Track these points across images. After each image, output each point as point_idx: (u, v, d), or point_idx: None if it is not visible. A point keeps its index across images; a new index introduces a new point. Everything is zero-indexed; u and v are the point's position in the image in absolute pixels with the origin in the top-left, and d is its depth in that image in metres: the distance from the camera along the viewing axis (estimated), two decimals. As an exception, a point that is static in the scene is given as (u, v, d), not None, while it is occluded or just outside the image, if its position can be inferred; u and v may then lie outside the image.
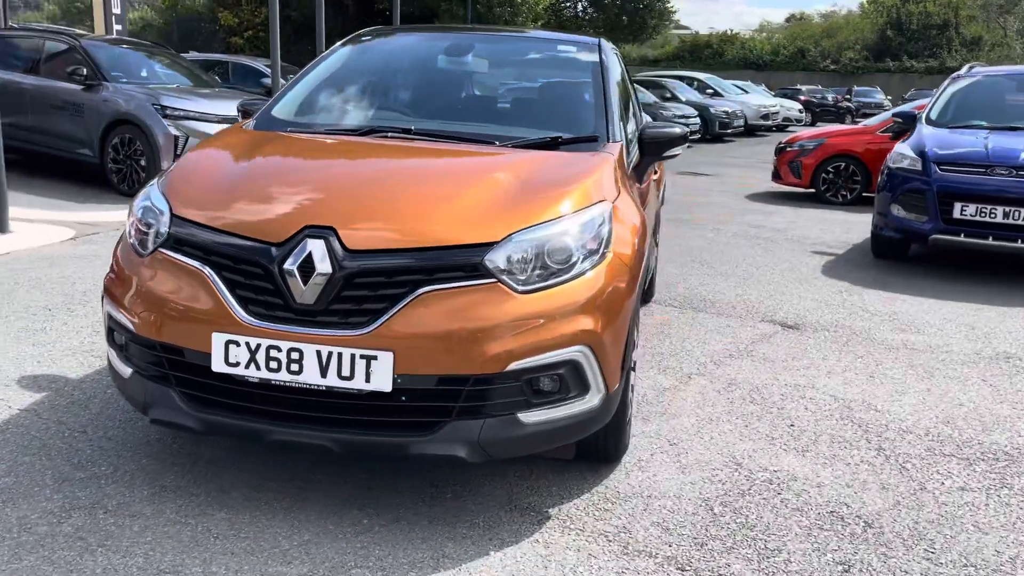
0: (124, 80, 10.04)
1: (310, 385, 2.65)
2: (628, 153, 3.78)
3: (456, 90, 4.08)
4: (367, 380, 2.62)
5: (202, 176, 3.13)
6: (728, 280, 6.86)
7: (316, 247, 2.67)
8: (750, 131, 24.27)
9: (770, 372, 4.63)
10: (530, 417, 2.73)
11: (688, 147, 18.81)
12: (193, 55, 16.74)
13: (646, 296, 5.85)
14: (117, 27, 15.31)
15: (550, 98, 4.04)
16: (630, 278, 3.02)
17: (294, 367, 2.64)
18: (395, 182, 3.10)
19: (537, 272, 2.75)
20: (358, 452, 2.79)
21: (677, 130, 3.91)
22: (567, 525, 2.91)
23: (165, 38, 26.84)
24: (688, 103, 21.63)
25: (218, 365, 2.69)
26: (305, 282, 2.64)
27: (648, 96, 20.70)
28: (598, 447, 3.25)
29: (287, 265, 2.66)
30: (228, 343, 2.68)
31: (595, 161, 3.33)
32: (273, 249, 2.70)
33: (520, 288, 2.70)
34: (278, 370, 2.66)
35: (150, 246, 2.92)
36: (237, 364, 2.68)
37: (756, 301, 6.19)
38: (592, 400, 2.86)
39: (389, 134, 3.54)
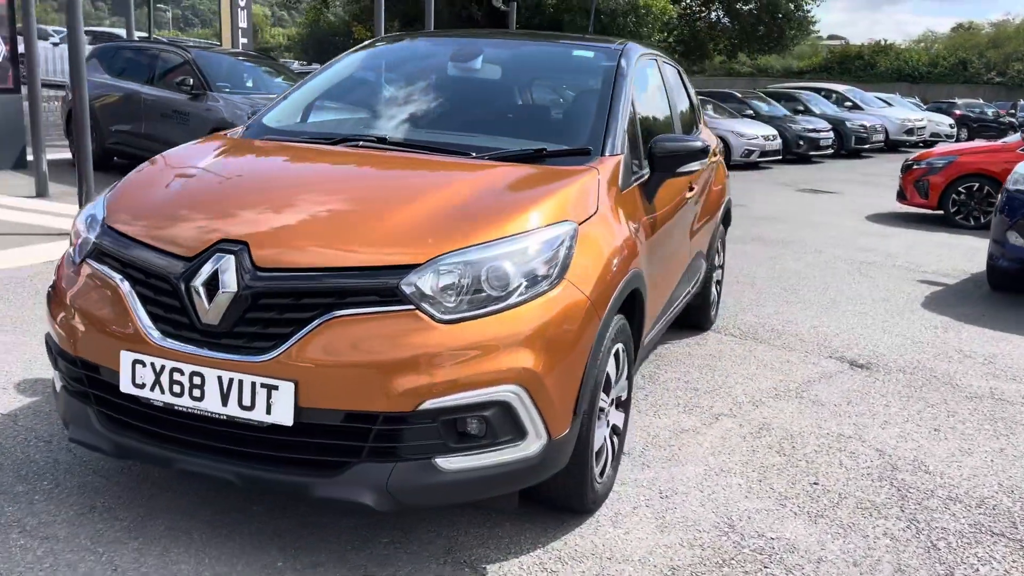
0: (228, 90, 10.33)
1: (211, 413, 2.44)
2: (635, 169, 3.40)
3: (451, 98, 3.81)
4: (268, 412, 2.38)
5: (146, 185, 3.00)
6: (808, 309, 6.26)
7: (225, 263, 2.46)
8: (892, 147, 22.75)
9: (814, 418, 4.10)
10: (451, 463, 2.42)
11: (818, 162, 17.85)
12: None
13: (699, 324, 5.38)
14: (243, 41, 15.90)
15: (551, 107, 3.71)
16: (591, 310, 2.66)
17: (196, 392, 2.44)
18: (333, 195, 2.86)
19: (467, 299, 2.44)
20: (261, 489, 2.56)
21: (696, 144, 3.50)
22: (500, 586, 2.58)
23: (303, 52, 27.83)
24: (822, 116, 20.48)
25: (126, 385, 2.52)
26: (210, 301, 2.44)
27: (779, 109, 19.76)
28: (556, 498, 2.90)
29: (194, 282, 2.47)
30: (135, 362, 2.51)
31: (572, 177, 2.98)
32: (182, 264, 2.51)
33: (442, 317, 2.39)
34: (181, 395, 2.46)
35: (79, 256, 2.80)
36: (143, 385, 2.50)
37: (831, 334, 5.60)
38: (529, 448, 2.51)
39: (361, 143, 3.31)
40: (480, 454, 2.45)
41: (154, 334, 2.49)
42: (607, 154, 3.25)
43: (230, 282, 2.42)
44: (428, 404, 2.36)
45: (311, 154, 3.30)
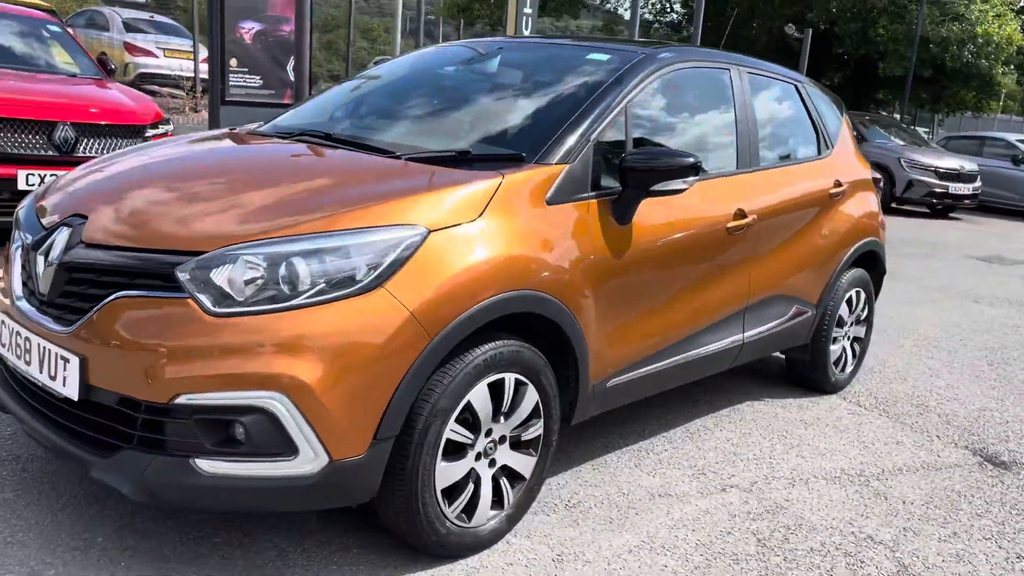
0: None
1: (34, 378, 2.52)
2: (600, 184, 2.98)
3: (425, 101, 3.60)
4: (64, 384, 2.41)
5: (96, 167, 3.16)
6: (978, 382, 5.12)
7: (60, 235, 2.53)
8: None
9: (854, 512, 3.29)
10: (211, 466, 2.27)
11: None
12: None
13: (816, 384, 4.58)
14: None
15: (525, 111, 3.35)
16: (415, 327, 2.35)
17: (26, 356, 2.54)
18: (210, 180, 2.81)
19: (250, 294, 2.28)
20: (63, 459, 2.59)
21: (676, 160, 2.98)
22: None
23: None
24: None
25: (0, 344, 2.70)
26: (44, 270, 2.53)
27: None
28: (398, 534, 2.60)
29: (39, 251, 2.57)
30: (2, 323, 2.67)
31: (459, 181, 2.67)
32: (41, 234, 2.63)
33: (214, 309, 2.25)
34: (20, 357, 2.58)
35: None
36: (5, 345, 2.66)
37: (988, 417, 4.49)
38: (305, 466, 2.28)
39: (305, 137, 3.25)
40: (243, 462, 2.27)
41: (18, 298, 2.63)
42: (546, 163, 2.87)
43: (55, 254, 2.49)
44: (184, 399, 2.23)
45: (245, 145, 3.32)
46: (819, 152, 4.43)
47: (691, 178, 3.05)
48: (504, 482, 2.78)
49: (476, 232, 2.57)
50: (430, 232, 2.46)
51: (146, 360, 2.26)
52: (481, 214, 2.60)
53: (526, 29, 16.20)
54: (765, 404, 4.41)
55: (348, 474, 2.33)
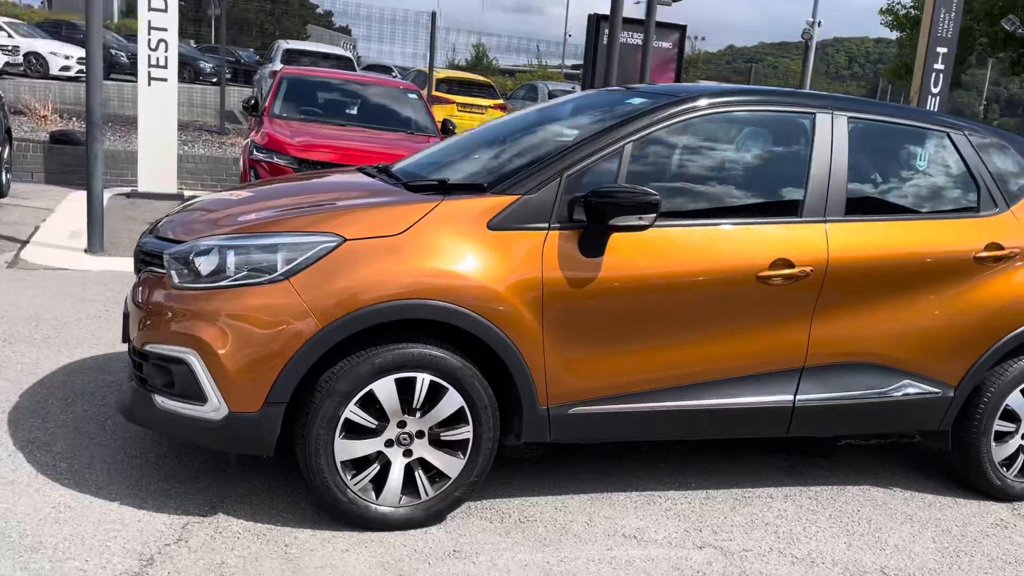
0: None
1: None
2: (562, 216, 3.15)
3: (496, 145, 3.92)
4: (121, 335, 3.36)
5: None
6: None
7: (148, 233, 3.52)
8: None
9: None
10: (162, 401, 3.01)
11: None
12: None
13: (976, 486, 3.91)
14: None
15: (526, 150, 3.55)
16: (305, 315, 2.85)
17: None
18: (253, 201, 3.54)
19: (195, 274, 2.98)
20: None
21: (636, 197, 3.04)
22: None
23: None
24: None
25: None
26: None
27: None
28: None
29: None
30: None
31: (396, 203, 3.12)
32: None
33: (177, 283, 3.01)
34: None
35: None
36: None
37: None
38: (211, 412, 2.91)
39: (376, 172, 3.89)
40: (177, 402, 2.97)
41: None
42: (500, 193, 3.15)
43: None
44: (148, 347, 3.01)
45: (328, 175, 4.08)
46: (979, 209, 3.81)
47: (650, 215, 3.06)
48: (420, 474, 3.08)
49: (394, 245, 2.97)
50: (346, 240, 2.94)
51: (140, 316, 3.09)
52: (405, 231, 3.00)
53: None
54: (886, 490, 3.88)
55: (244, 427, 2.90)
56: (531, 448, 3.84)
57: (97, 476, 3.25)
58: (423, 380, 3.01)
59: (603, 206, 3.08)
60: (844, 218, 3.55)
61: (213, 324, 2.89)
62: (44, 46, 22.90)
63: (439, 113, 11.36)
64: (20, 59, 23.79)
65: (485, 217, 3.10)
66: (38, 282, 5.80)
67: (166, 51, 10.61)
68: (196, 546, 2.86)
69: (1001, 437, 3.88)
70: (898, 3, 27.65)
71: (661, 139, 3.41)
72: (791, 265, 3.40)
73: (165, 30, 10.54)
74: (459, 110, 16.40)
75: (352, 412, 2.96)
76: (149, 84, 10.62)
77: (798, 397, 3.52)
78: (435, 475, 3.12)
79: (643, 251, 3.23)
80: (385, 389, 2.98)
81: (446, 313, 2.99)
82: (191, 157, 11.22)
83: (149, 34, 10.49)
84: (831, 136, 3.60)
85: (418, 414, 3.05)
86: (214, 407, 2.90)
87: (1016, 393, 3.84)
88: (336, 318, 2.88)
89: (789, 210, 3.53)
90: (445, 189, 3.27)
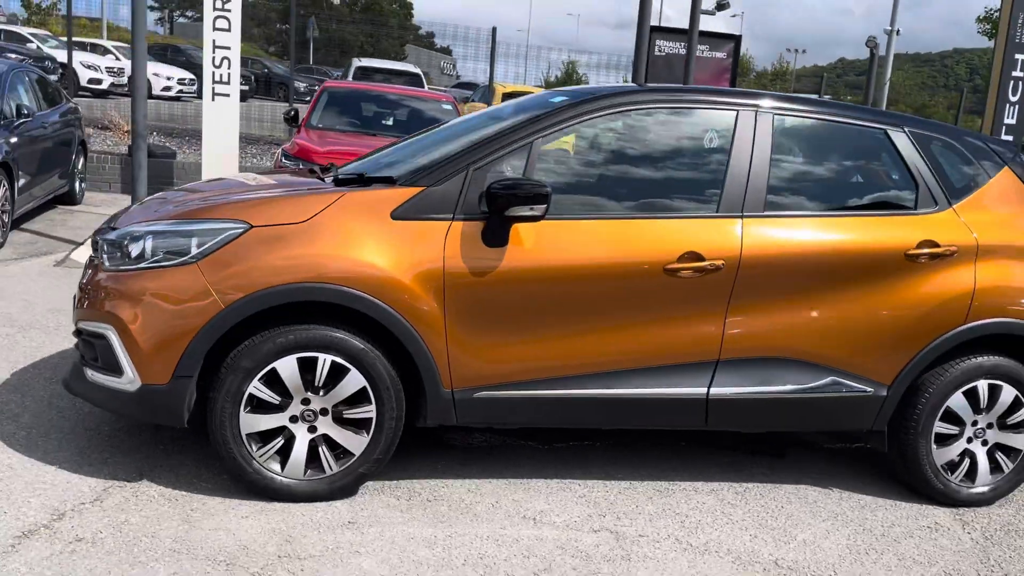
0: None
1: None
2: (460, 206, 3.30)
3: (432, 144, 4.06)
4: (76, 314, 3.69)
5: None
6: None
7: None
8: None
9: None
10: (91, 374, 3.30)
11: None
12: None
13: (919, 489, 3.85)
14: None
15: (442, 147, 3.71)
16: (208, 295, 3.08)
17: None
18: (194, 193, 3.84)
19: (129, 256, 3.25)
20: None
21: (526, 189, 3.17)
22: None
23: None
24: None
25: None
26: None
27: None
28: None
29: None
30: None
31: (306, 194, 3.35)
32: None
33: (107, 265, 3.30)
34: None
35: None
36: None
37: None
38: (127, 384, 3.17)
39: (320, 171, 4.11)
40: (101, 374, 3.25)
41: None
42: (406, 185, 3.32)
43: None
44: (81, 324, 3.31)
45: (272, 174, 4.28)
46: (916, 207, 3.75)
47: (541, 206, 3.18)
48: (324, 450, 3.27)
49: (298, 232, 3.19)
50: (252, 227, 3.17)
51: (79, 296, 3.40)
52: (309, 219, 3.20)
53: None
54: (824, 490, 3.85)
55: (156, 398, 3.15)
56: (474, 435, 3.99)
57: (48, 444, 3.57)
58: (324, 360, 3.20)
59: (498, 197, 3.21)
60: (763, 214, 3.57)
61: (130, 302, 3.16)
62: (148, 68, 24.21)
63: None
64: (125, 80, 25.34)
65: (388, 207, 3.28)
66: (76, 279, 6.28)
67: (229, 68, 11.20)
68: (109, 506, 3.12)
69: (944, 440, 3.79)
70: (996, 11, 26.56)
71: (576, 134, 3.52)
72: (701, 258, 3.44)
73: (228, 48, 11.14)
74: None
75: (256, 388, 3.18)
76: (213, 99, 11.22)
77: (712, 390, 3.54)
78: (340, 452, 3.30)
79: (548, 242, 3.35)
80: (287, 367, 3.18)
81: (341, 296, 3.17)
82: (256, 168, 11.80)
83: (214, 52, 11.12)
84: (753, 133, 3.62)
85: (321, 392, 3.24)
86: (129, 379, 3.16)
87: (958, 395, 3.75)
88: (236, 299, 3.11)
89: (705, 205, 3.57)
90: (364, 183, 3.47)
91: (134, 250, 3.24)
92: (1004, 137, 14.31)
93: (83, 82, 22.99)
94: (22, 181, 7.36)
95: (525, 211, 3.21)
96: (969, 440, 3.82)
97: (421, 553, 3.01)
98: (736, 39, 12.85)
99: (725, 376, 3.56)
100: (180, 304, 3.12)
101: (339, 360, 3.21)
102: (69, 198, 9.39)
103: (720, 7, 21.31)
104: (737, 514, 3.55)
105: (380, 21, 68.71)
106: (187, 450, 3.61)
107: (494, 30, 14.48)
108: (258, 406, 3.21)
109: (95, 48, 27.65)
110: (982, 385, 3.76)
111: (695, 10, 10.67)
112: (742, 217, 3.54)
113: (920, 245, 3.66)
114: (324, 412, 3.27)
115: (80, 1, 37.64)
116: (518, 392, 3.42)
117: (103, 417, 3.84)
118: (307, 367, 3.20)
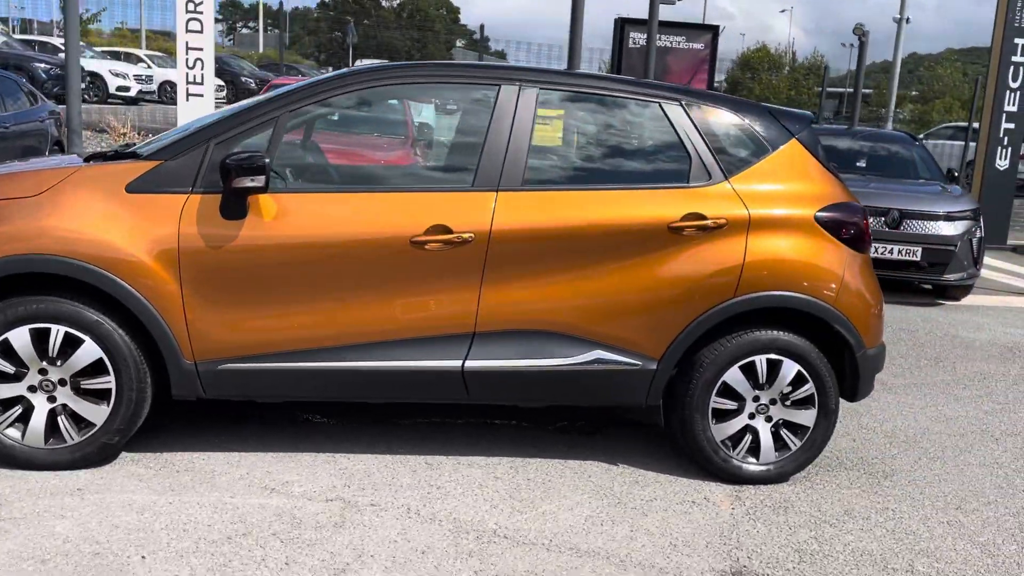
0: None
1: None
2: (198, 180, 3.35)
3: None
4: None
5: None
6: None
7: None
8: None
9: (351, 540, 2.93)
10: None
11: None
12: None
13: (703, 466, 3.76)
14: None
15: None
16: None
17: None
18: None
19: None
20: None
21: (246, 160, 3.22)
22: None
23: None
24: None
25: None
26: None
27: None
28: None
29: None
30: None
31: (43, 168, 3.45)
32: None
33: None
34: None
35: None
36: None
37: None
38: None
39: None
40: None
41: None
42: (144, 159, 3.40)
43: None
44: None
45: None
46: (688, 180, 3.67)
47: (260, 177, 3.22)
48: (63, 420, 3.35)
49: (26, 205, 3.28)
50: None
51: None
52: (41, 193, 3.30)
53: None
54: (609, 466, 3.79)
55: None
56: (274, 410, 4.06)
57: None
58: (57, 331, 3.28)
59: (223, 169, 3.27)
60: (519, 188, 3.54)
61: None
62: (103, 66, 24.56)
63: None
64: (154, 88, 26.06)
65: (123, 180, 3.35)
66: None
67: (202, 69, 11.53)
68: None
69: (723, 416, 3.71)
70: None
71: (319, 111, 3.55)
72: (449, 231, 3.43)
73: (201, 50, 11.47)
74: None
75: (-1, 360, 3.28)
76: (187, 99, 11.59)
77: (468, 363, 3.53)
78: (83, 423, 3.38)
79: (291, 216, 3.38)
80: (20, 338, 3.28)
81: (63, 267, 3.25)
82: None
83: (187, 54, 11.44)
84: (515, 108, 3.60)
85: (58, 363, 3.32)
86: None
87: (735, 370, 3.66)
88: None
89: (459, 179, 3.57)
90: (113, 159, 3.55)
91: None
92: (1006, 126, 13.82)
93: (112, 89, 23.70)
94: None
95: (247, 182, 3.25)
96: (752, 416, 3.72)
97: (125, 518, 3.07)
98: (714, 29, 12.68)
99: (482, 348, 3.54)
100: None
101: (73, 331, 3.29)
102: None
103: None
104: (491, 486, 3.53)
105: (426, 26, 69.41)
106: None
107: (482, 27, 14.51)
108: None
109: (128, 57, 28.41)
110: (760, 360, 3.66)
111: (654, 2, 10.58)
112: (496, 191, 3.52)
113: (685, 218, 3.59)
114: (63, 383, 3.35)
115: (124, 9, 38.70)
116: (270, 364, 3.45)
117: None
118: (43, 338, 3.29)
